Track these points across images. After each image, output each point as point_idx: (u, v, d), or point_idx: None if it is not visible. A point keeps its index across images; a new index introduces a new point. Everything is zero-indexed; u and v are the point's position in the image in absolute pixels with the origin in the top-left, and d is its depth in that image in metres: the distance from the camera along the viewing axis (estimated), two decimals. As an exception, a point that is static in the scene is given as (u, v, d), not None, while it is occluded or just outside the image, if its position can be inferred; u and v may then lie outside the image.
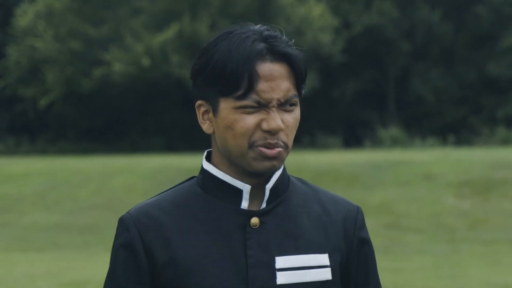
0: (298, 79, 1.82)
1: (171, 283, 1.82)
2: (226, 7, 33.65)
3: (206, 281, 1.81)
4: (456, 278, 10.56)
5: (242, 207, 1.85)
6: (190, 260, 1.82)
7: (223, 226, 1.84)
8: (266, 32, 1.84)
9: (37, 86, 33.92)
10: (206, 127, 1.87)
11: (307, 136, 30.99)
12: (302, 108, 1.87)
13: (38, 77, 33.97)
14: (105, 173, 19.38)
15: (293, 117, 1.82)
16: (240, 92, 1.79)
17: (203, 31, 31.98)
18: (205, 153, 1.92)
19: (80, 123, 34.62)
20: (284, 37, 1.84)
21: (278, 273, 1.83)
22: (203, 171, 1.89)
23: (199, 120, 1.89)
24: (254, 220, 1.84)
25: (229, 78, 1.80)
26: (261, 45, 1.81)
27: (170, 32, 32.41)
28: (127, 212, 1.89)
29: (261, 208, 1.86)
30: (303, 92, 1.86)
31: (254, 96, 1.79)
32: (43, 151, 32.13)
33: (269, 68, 1.80)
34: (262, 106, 1.80)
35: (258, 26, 1.87)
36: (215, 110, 1.83)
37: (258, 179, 1.85)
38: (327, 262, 1.87)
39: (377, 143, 29.81)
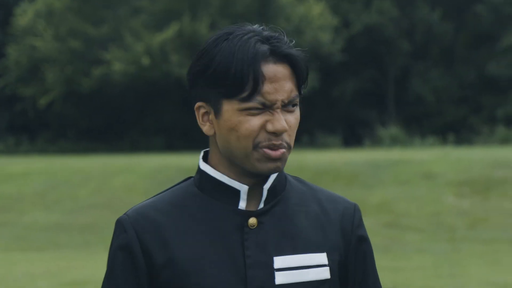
0: (299, 80, 1.83)
1: (170, 284, 1.82)
2: (226, 7, 33.66)
3: (205, 281, 1.81)
4: (456, 277, 10.56)
5: (239, 207, 1.85)
6: (188, 260, 1.82)
7: (221, 226, 1.84)
8: (267, 33, 1.83)
9: (37, 86, 33.93)
10: (206, 128, 1.85)
11: (306, 135, 31.00)
12: (302, 107, 1.87)
13: (38, 76, 33.98)
14: (105, 172, 19.38)
15: (294, 118, 1.83)
16: (245, 94, 1.78)
17: (203, 31, 31.99)
18: (202, 153, 1.92)
19: (80, 122, 34.63)
20: (285, 38, 1.84)
21: (277, 273, 1.83)
22: (200, 171, 1.88)
23: (198, 121, 1.87)
24: (252, 221, 1.84)
25: (234, 80, 1.78)
26: (264, 46, 1.80)
27: (170, 32, 32.42)
28: (124, 214, 1.89)
29: (258, 208, 1.85)
30: (302, 92, 1.85)
31: (259, 98, 1.79)
32: (43, 151, 32.13)
33: (273, 69, 1.80)
34: (267, 107, 1.79)
35: (256, 26, 1.86)
36: (217, 112, 1.82)
37: (256, 179, 1.85)
38: (326, 261, 1.87)
39: (377, 142, 29.82)
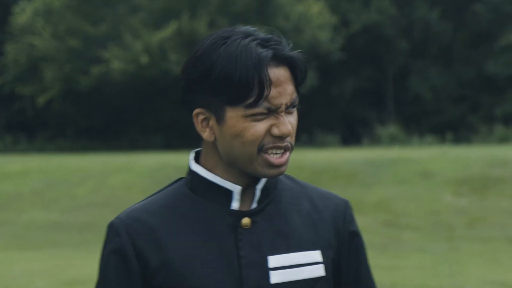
0: (299, 81, 1.82)
1: (164, 287, 1.81)
2: (225, 5, 33.64)
3: (200, 283, 1.80)
4: (454, 276, 10.57)
5: (233, 207, 1.84)
6: (183, 262, 1.81)
7: (215, 227, 1.83)
8: (264, 35, 1.81)
9: (36, 84, 33.91)
10: (207, 135, 1.83)
11: (305, 134, 31.00)
12: (301, 106, 1.87)
13: (37, 75, 33.96)
14: (104, 171, 19.37)
15: (295, 118, 1.83)
16: (250, 100, 1.76)
17: (202, 29, 31.97)
18: (193, 154, 1.90)
19: (79, 121, 34.62)
20: (283, 39, 1.82)
21: (272, 272, 1.83)
22: (192, 172, 1.87)
23: (197, 128, 1.84)
24: (245, 221, 1.83)
25: (239, 86, 1.76)
26: (266, 50, 1.78)
27: (169, 30, 32.41)
28: (116, 218, 1.87)
29: (251, 208, 1.85)
30: (301, 92, 1.86)
31: (265, 103, 1.77)
32: (41, 149, 32.12)
33: (276, 73, 1.78)
34: (271, 111, 1.78)
35: (248, 27, 1.84)
36: (220, 118, 1.80)
37: (250, 179, 1.84)
38: (320, 259, 1.87)
39: (375, 141, 29.84)
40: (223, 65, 1.76)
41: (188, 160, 1.91)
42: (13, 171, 20.16)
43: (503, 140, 28.26)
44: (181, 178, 1.91)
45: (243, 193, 1.85)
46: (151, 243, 1.82)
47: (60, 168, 20.07)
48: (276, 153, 1.80)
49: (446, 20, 36.07)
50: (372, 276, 1.98)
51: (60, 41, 33.52)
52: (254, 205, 1.85)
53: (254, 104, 1.76)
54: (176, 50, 32.53)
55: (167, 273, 1.81)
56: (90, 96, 34.04)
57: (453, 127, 32.72)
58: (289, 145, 1.81)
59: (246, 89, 1.76)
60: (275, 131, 1.79)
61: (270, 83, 1.76)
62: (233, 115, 1.78)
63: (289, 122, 1.80)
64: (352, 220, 1.94)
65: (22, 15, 34.20)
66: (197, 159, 1.89)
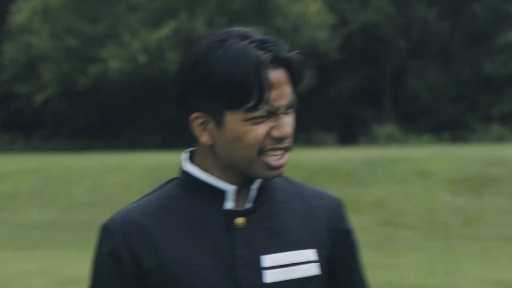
0: (296, 82, 1.81)
1: (160, 287, 1.80)
2: (223, 4, 33.66)
3: (196, 283, 1.80)
4: (450, 275, 10.59)
5: (227, 207, 1.84)
6: (178, 263, 1.80)
7: (209, 227, 1.83)
8: (259, 37, 1.80)
9: (33, 83, 33.92)
10: (205, 139, 1.82)
11: (303, 134, 31.03)
12: (298, 106, 1.85)
13: (34, 74, 33.97)
14: (101, 170, 19.38)
15: (292, 119, 1.82)
16: (251, 104, 1.75)
17: (200, 28, 31.98)
18: (186, 154, 1.89)
19: (76, 120, 34.62)
20: (280, 40, 1.81)
21: (267, 272, 1.83)
22: (186, 173, 1.86)
23: (195, 132, 1.83)
24: (240, 220, 1.83)
25: (239, 91, 1.74)
26: (264, 53, 1.77)
27: (167, 29, 32.42)
28: (109, 219, 1.85)
29: (246, 208, 1.85)
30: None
31: (265, 106, 1.76)
32: (38, 149, 32.12)
33: (275, 75, 1.77)
34: (271, 114, 1.77)
35: (242, 29, 1.82)
36: (219, 122, 1.78)
37: (246, 179, 1.84)
38: (314, 258, 1.87)
39: (373, 140, 29.88)
40: (222, 69, 1.75)
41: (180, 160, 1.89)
42: (10, 171, 20.16)
43: (500, 139, 28.31)
44: (173, 179, 1.90)
45: (238, 193, 1.85)
46: (145, 244, 1.81)
47: (57, 168, 20.08)
48: (276, 155, 1.80)
49: (444, 19, 36.11)
50: (364, 275, 1.99)
51: (58, 40, 33.52)
52: (249, 205, 1.85)
53: (254, 107, 1.75)
54: (174, 49, 32.55)
55: (162, 274, 1.80)
56: (88, 95, 34.05)
57: (450, 127, 32.77)
58: (289, 145, 1.81)
59: (247, 93, 1.74)
60: (276, 133, 1.78)
61: (270, 86, 1.76)
62: (233, 119, 1.77)
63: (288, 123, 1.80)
64: (345, 219, 1.95)
65: (19, 14, 34.21)
66: (190, 159, 1.88)
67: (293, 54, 1.80)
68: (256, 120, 1.76)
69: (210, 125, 1.80)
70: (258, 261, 1.82)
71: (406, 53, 36.33)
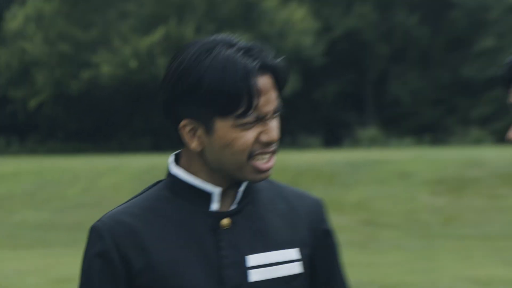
0: (281, 87, 1.81)
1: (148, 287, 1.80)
2: (211, 11, 33.66)
3: (183, 284, 1.79)
4: (430, 272, 10.63)
5: (212, 209, 1.83)
6: (166, 264, 1.79)
7: (196, 228, 1.82)
8: (244, 44, 1.79)
9: (27, 88, 33.81)
10: (195, 145, 1.80)
11: (289, 137, 31.05)
12: (284, 109, 1.86)
13: (28, 79, 33.86)
14: (94, 172, 19.36)
15: (278, 122, 1.82)
16: (240, 111, 1.75)
17: (189, 34, 31.98)
18: (172, 157, 1.88)
19: (69, 124, 34.52)
20: (265, 47, 1.81)
21: (252, 271, 1.83)
22: (172, 175, 1.86)
23: (184, 139, 1.81)
24: (225, 221, 1.83)
25: (228, 99, 1.74)
26: (251, 60, 1.76)
27: (156, 35, 32.39)
28: (98, 221, 1.83)
29: (231, 209, 1.85)
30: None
31: (254, 113, 1.76)
32: (32, 151, 32.01)
33: (262, 82, 1.77)
34: (259, 119, 1.77)
35: (227, 36, 1.80)
36: (209, 129, 1.78)
37: (232, 182, 1.84)
38: (297, 257, 1.88)
39: (356, 143, 29.93)
40: (211, 78, 1.74)
41: (167, 163, 1.88)
42: (5, 173, 20.11)
43: (478, 141, 28.40)
44: (160, 181, 1.89)
45: (223, 195, 1.84)
46: (134, 245, 1.80)
47: (51, 170, 20.04)
48: (264, 158, 1.80)
49: (424, 26, 36.23)
50: (344, 274, 1.99)
51: (51, 46, 33.45)
52: (234, 206, 1.85)
53: (244, 114, 1.75)
54: (164, 55, 32.52)
55: (150, 275, 1.79)
56: (80, 99, 33.97)
57: (431, 129, 32.85)
58: (276, 149, 1.81)
59: (236, 101, 1.74)
60: (265, 138, 1.78)
61: (258, 93, 1.75)
62: (223, 126, 1.76)
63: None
64: (325, 219, 1.95)
65: (14, 21, 34.10)
66: (177, 161, 1.87)
67: (278, 61, 1.80)
68: (245, 126, 1.76)
69: (200, 132, 1.79)
70: (243, 261, 1.82)
71: (388, 58, 36.43)
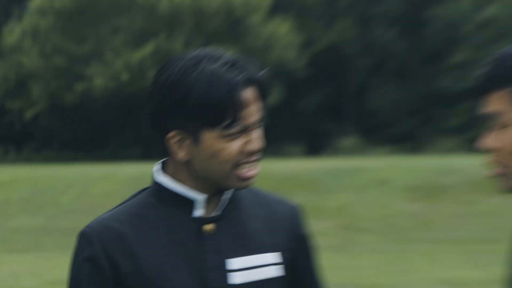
0: (264, 98, 1.81)
1: None
2: (199, 26, 33.73)
3: (169, 287, 1.79)
4: (405, 274, 10.66)
5: (196, 215, 1.83)
6: (153, 269, 1.79)
7: (181, 234, 1.81)
8: (230, 58, 1.78)
9: (24, 100, 33.76)
10: (182, 156, 1.79)
11: (272, 145, 31.09)
12: (268, 119, 1.87)
13: (25, 91, 33.81)
14: (86, 180, 19.33)
15: (262, 132, 1.82)
16: (226, 123, 1.75)
17: (178, 48, 32.03)
18: (158, 165, 1.88)
19: (64, 134, 34.46)
20: (250, 60, 1.81)
21: (234, 274, 1.83)
22: (158, 183, 1.85)
23: (172, 149, 1.80)
24: (209, 227, 1.83)
25: (215, 112, 1.73)
26: (236, 73, 1.75)
27: (147, 49, 32.42)
28: (86, 226, 1.83)
29: (214, 215, 1.85)
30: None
31: (240, 124, 1.76)
32: (28, 160, 31.93)
33: (247, 94, 1.76)
34: (245, 130, 1.77)
35: (212, 50, 1.80)
36: (196, 140, 1.77)
37: (217, 189, 1.83)
38: (278, 260, 1.88)
39: (336, 151, 29.99)
40: (199, 92, 1.73)
41: (152, 171, 1.89)
42: (2, 180, 20.06)
43: (452, 150, 28.53)
44: (145, 189, 1.89)
45: (208, 201, 1.84)
46: (122, 251, 1.78)
47: (46, 177, 19.99)
48: (249, 167, 1.79)
49: (402, 40, 36.43)
50: (321, 278, 1.99)
51: (47, 60, 33.42)
52: (218, 212, 1.85)
53: (230, 125, 1.75)
54: (154, 68, 32.50)
55: (138, 279, 1.78)
56: (75, 111, 33.93)
57: (408, 138, 32.99)
58: (260, 157, 1.81)
59: (223, 113, 1.74)
60: (250, 147, 1.77)
61: (244, 105, 1.75)
62: (209, 137, 1.76)
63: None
64: (303, 224, 1.95)
65: (11, 35, 34.07)
66: (163, 169, 1.86)
67: (262, 74, 1.80)
68: (231, 137, 1.76)
69: (187, 142, 1.78)
70: (226, 264, 1.82)
71: (367, 71, 36.61)
